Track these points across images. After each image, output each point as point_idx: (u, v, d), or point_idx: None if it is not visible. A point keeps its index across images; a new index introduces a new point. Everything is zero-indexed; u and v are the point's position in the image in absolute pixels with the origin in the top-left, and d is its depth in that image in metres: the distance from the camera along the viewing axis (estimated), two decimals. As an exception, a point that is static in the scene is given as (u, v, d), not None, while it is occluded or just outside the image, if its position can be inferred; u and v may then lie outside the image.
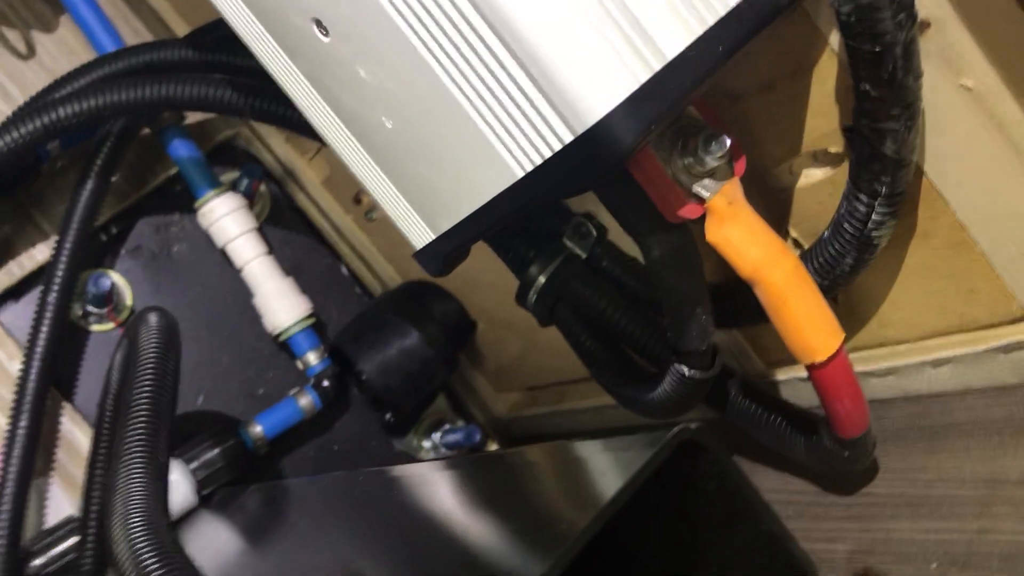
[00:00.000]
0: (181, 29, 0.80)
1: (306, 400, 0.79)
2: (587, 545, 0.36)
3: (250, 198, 0.81)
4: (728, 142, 0.39)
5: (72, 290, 0.73)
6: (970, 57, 0.39)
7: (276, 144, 0.84)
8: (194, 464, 0.73)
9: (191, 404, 0.80)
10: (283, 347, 0.81)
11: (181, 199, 0.81)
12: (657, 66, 0.35)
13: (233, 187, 0.80)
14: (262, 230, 0.81)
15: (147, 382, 0.49)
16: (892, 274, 0.48)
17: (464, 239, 0.45)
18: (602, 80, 0.35)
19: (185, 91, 0.64)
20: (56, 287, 0.71)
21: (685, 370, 0.48)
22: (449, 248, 0.46)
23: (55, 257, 0.72)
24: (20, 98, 0.71)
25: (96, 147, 0.72)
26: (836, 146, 0.45)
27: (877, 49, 0.36)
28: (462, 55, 0.37)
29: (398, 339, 0.77)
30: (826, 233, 0.45)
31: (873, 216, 0.42)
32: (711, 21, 0.36)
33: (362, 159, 0.47)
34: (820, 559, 0.45)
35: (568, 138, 0.36)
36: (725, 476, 0.40)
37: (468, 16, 0.36)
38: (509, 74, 0.36)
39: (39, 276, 0.74)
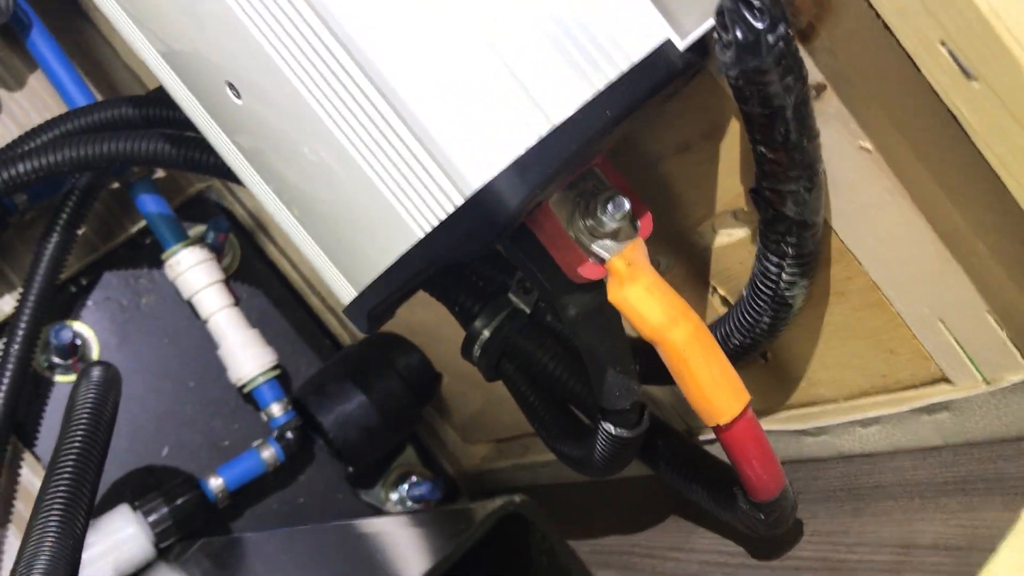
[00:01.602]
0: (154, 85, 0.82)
1: (269, 452, 0.79)
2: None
3: (218, 251, 0.82)
4: (627, 204, 0.40)
5: (35, 342, 0.74)
6: (867, 119, 0.39)
7: (246, 197, 0.86)
8: (153, 516, 0.73)
9: (155, 455, 0.80)
10: (248, 398, 0.82)
11: (150, 252, 0.82)
12: (543, 131, 0.36)
13: (201, 240, 0.82)
14: (230, 282, 0.82)
15: (75, 436, 0.50)
16: (815, 333, 0.48)
17: (383, 296, 0.45)
18: (487, 146, 0.36)
19: (137, 147, 0.65)
20: (19, 339, 0.73)
21: (611, 428, 0.49)
22: (371, 305, 0.47)
23: (19, 309, 0.73)
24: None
25: (62, 201, 0.74)
26: (751, 205, 0.46)
27: (768, 112, 0.37)
28: (359, 121, 0.38)
29: (359, 392, 0.78)
30: (744, 292, 0.45)
31: (783, 276, 0.43)
32: (600, 86, 0.37)
33: (286, 217, 0.48)
34: (740, 624, 0.45)
35: (459, 201, 0.37)
36: (555, 552, 0.40)
37: (363, 87, 0.37)
38: (402, 140, 0.37)
39: (3, 326, 0.75)
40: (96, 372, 0.56)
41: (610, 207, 0.40)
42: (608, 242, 0.41)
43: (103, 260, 0.81)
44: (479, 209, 0.36)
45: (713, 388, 0.40)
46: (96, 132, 0.70)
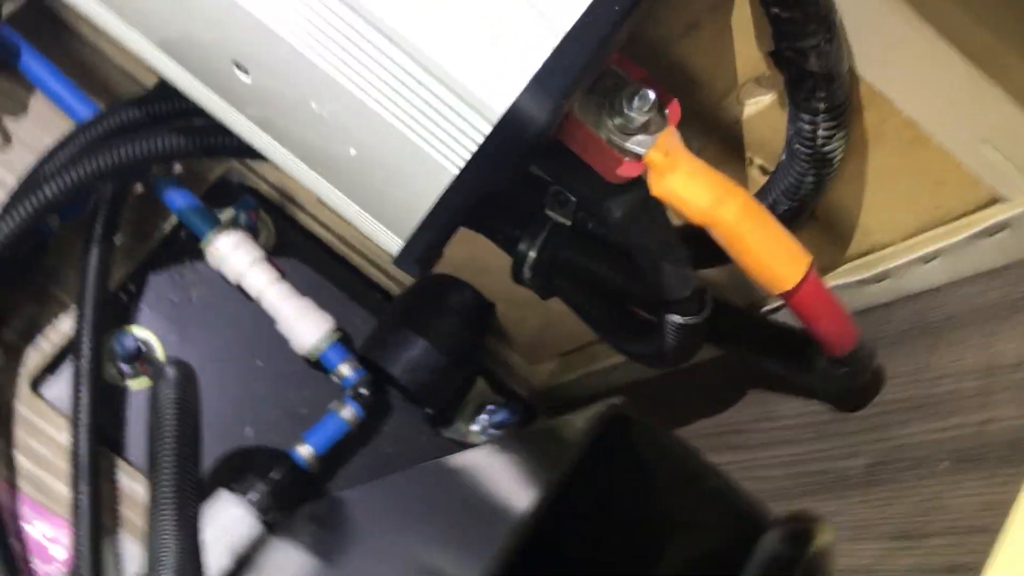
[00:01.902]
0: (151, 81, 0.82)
1: (348, 411, 0.81)
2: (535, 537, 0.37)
3: (252, 229, 0.83)
4: (651, 95, 0.40)
5: (101, 354, 0.76)
6: (876, -44, 0.38)
7: (268, 171, 0.86)
8: (252, 495, 0.76)
9: (239, 437, 0.83)
10: (316, 365, 0.83)
11: (188, 245, 0.83)
12: (556, 40, 0.36)
13: (233, 222, 0.83)
14: (271, 258, 0.83)
15: (167, 438, 0.51)
16: (860, 182, 0.48)
17: (429, 240, 0.46)
18: (503, 68, 0.36)
19: (153, 146, 0.66)
20: (85, 355, 0.74)
21: (677, 318, 0.49)
22: (419, 250, 0.47)
23: (78, 327, 0.75)
24: (12, 182, 0.74)
25: (92, 214, 0.75)
26: (773, 69, 0.45)
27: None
28: (372, 73, 0.38)
29: (419, 337, 0.79)
30: (783, 157, 0.45)
31: (819, 132, 0.42)
32: (602, -17, 0.36)
33: (317, 182, 0.48)
34: (839, 476, 0.46)
35: (487, 129, 0.37)
36: (664, 446, 0.40)
37: (370, 38, 0.37)
38: (419, 82, 0.37)
39: (69, 347, 0.77)
40: (171, 371, 0.57)
41: (636, 101, 0.40)
42: (640, 136, 0.41)
43: (146, 263, 0.83)
44: (508, 132, 0.36)
45: (773, 256, 0.41)
46: (109, 140, 0.71)
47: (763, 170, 0.51)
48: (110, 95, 0.83)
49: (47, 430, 0.77)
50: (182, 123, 0.66)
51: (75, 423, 0.73)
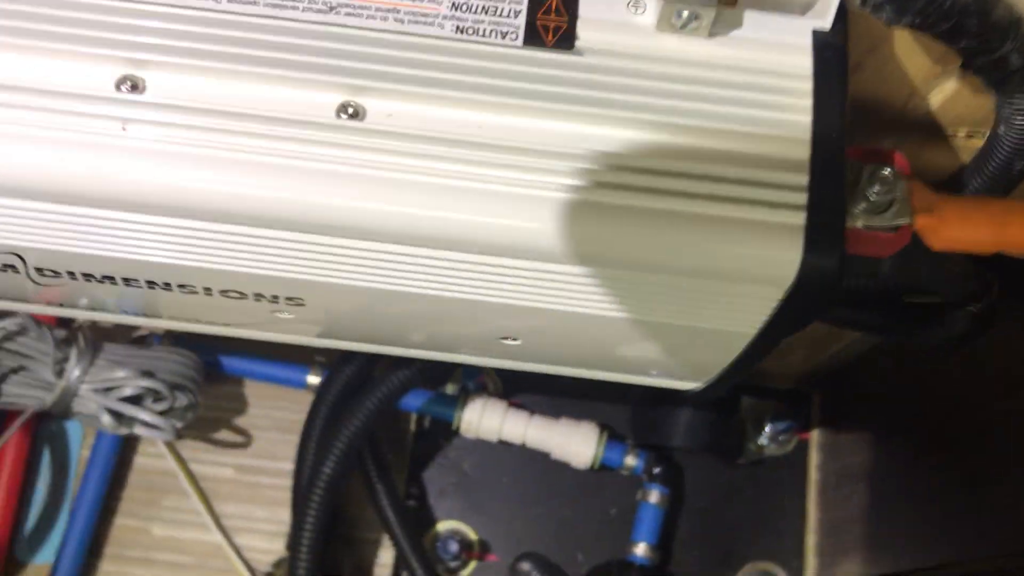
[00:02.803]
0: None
1: (655, 495, 0.85)
2: None
3: (483, 387, 0.87)
4: (888, 171, 0.41)
5: (430, 563, 0.81)
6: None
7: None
8: (624, 611, 0.80)
9: (576, 565, 0.87)
10: (603, 469, 0.87)
11: (437, 430, 0.88)
12: (805, 196, 0.38)
13: (465, 392, 0.87)
14: (511, 401, 0.87)
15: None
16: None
17: (733, 379, 0.48)
18: (773, 240, 0.38)
19: (396, 386, 0.71)
20: (418, 569, 0.80)
21: (970, 309, 0.50)
22: (723, 387, 0.50)
23: (399, 550, 0.81)
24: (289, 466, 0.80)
25: (360, 458, 0.80)
26: (952, 61, 0.45)
27: (951, 22, 0.37)
28: (656, 299, 0.41)
29: (682, 404, 0.81)
30: (999, 127, 0.45)
31: (1038, 105, 0.43)
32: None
33: (569, 371, 0.51)
34: None
35: (780, 295, 0.39)
36: None
37: (652, 280, 0.39)
38: (706, 289, 0.39)
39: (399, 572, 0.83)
40: (526, 564, 0.61)
41: (877, 185, 0.41)
42: (894, 207, 0.42)
43: (413, 466, 0.88)
44: (804, 292, 0.38)
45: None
46: (343, 399, 0.76)
47: (970, 135, 0.51)
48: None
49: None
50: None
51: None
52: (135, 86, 0.37)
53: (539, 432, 0.85)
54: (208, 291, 0.43)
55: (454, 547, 0.83)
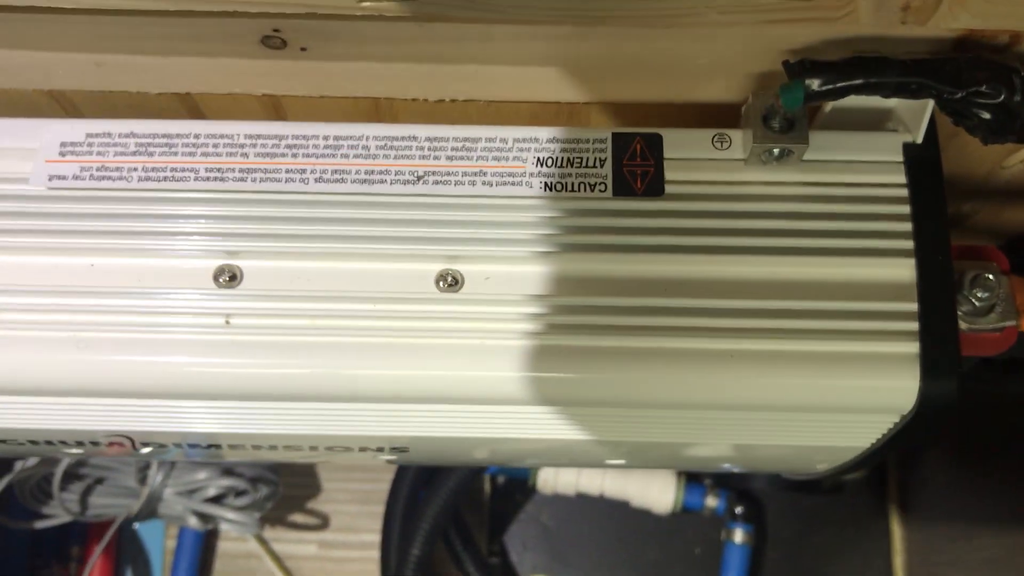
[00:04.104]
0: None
1: (739, 534, 0.85)
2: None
3: (556, 441, 0.88)
4: (991, 276, 0.40)
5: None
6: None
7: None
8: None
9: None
10: (685, 511, 0.87)
11: (512, 488, 0.89)
12: (916, 324, 0.38)
13: (536, 443, 0.87)
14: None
15: None
16: None
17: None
18: (894, 384, 0.38)
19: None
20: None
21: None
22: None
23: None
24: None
25: (446, 533, 0.81)
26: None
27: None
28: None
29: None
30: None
31: None
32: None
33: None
34: None
35: (896, 419, 0.39)
36: None
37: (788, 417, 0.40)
38: (833, 420, 0.40)
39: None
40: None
41: (980, 291, 0.41)
42: (997, 308, 0.42)
43: (493, 524, 0.89)
44: (923, 414, 0.38)
45: None
46: (425, 472, 0.76)
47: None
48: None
49: None
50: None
51: None
52: (233, 276, 0.38)
53: (616, 482, 0.86)
54: (314, 448, 0.44)
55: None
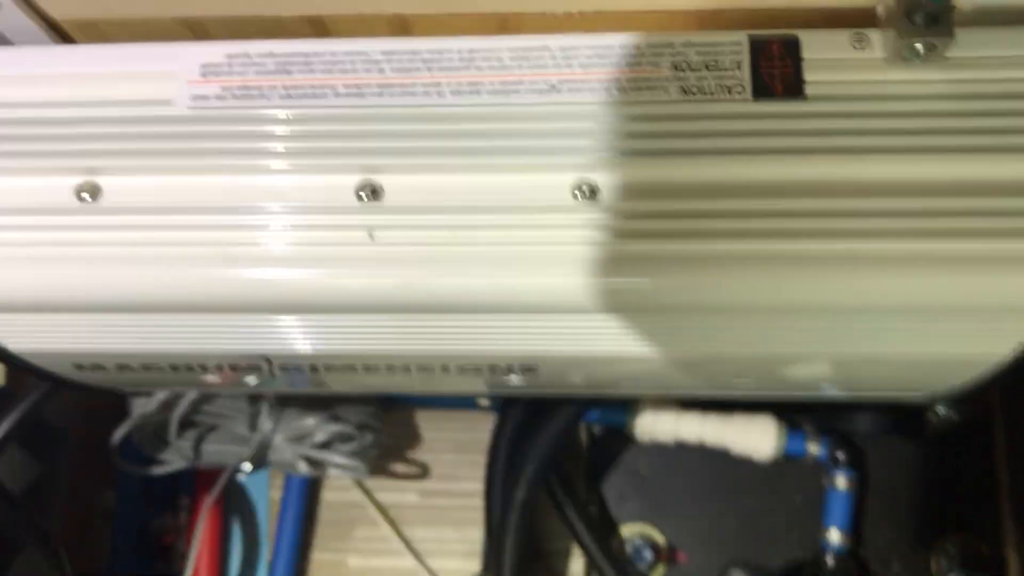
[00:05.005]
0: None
1: (841, 480, 0.84)
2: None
3: (652, 389, 0.87)
4: None
5: (622, 569, 0.83)
6: None
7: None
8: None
9: (766, 555, 0.87)
10: (786, 459, 0.86)
11: (612, 436, 0.89)
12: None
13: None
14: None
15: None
16: None
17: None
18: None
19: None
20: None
21: None
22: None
23: (589, 557, 0.82)
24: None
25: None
26: None
27: None
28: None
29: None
30: None
31: None
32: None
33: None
34: None
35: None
36: None
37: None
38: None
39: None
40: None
41: None
42: None
43: (590, 474, 0.89)
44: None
45: None
46: (527, 418, 0.77)
47: None
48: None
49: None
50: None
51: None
52: (375, 191, 0.38)
53: (715, 431, 0.85)
54: (445, 369, 0.44)
55: (648, 554, 0.84)
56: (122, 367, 0.45)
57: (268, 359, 0.43)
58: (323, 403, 0.77)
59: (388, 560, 0.87)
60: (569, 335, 0.40)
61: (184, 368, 0.45)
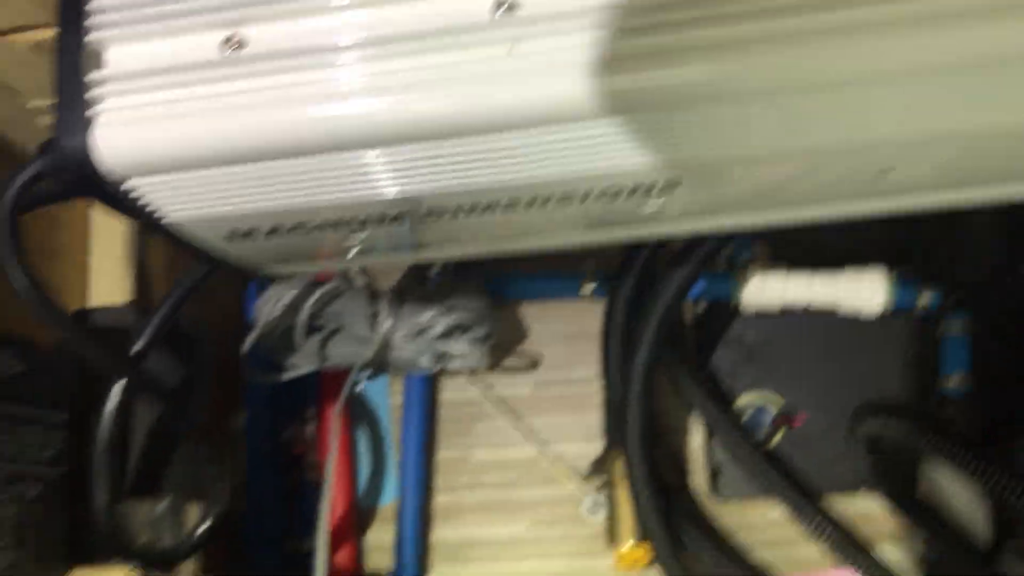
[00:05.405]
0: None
1: (958, 324, 0.85)
2: None
3: (753, 259, 0.87)
4: None
5: (745, 435, 0.83)
6: None
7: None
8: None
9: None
10: (896, 313, 0.86)
11: (717, 313, 0.89)
12: None
13: (733, 264, 0.87)
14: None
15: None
16: None
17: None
18: None
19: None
20: (734, 442, 0.82)
21: None
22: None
23: (710, 427, 0.83)
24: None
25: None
26: None
27: None
28: None
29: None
30: None
31: None
32: None
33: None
34: None
35: None
36: None
37: None
38: None
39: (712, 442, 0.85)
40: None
41: None
42: None
43: (698, 350, 0.90)
44: None
45: None
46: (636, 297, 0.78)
47: None
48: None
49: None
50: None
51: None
52: (511, 6, 0.39)
53: (823, 289, 0.85)
54: (585, 196, 0.45)
55: (767, 419, 0.84)
56: (272, 231, 0.47)
57: (417, 200, 0.44)
58: (438, 297, 0.79)
59: (511, 451, 0.89)
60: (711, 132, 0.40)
61: (331, 225, 0.46)
